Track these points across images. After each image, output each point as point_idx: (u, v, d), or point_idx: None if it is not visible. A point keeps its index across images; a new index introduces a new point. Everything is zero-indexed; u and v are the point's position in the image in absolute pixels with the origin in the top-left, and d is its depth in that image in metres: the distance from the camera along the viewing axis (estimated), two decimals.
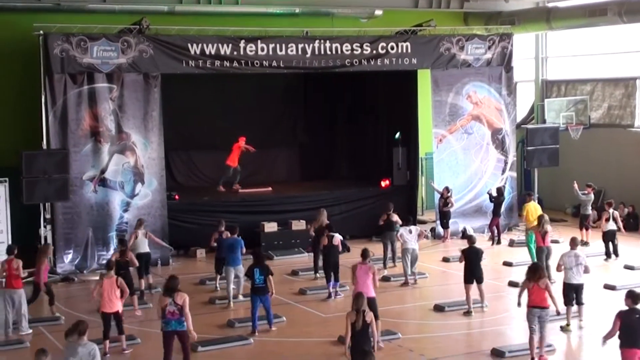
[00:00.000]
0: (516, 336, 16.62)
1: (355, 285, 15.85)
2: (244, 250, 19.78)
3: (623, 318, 12.62)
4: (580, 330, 16.85)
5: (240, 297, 19.45)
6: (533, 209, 23.20)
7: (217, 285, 20.92)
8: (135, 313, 18.43)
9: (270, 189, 27.98)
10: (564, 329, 16.75)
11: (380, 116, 29.96)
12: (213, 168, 29.86)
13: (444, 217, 26.81)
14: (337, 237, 20.49)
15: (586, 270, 16.97)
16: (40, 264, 18.61)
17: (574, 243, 17.39)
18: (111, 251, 23.29)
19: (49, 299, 18.85)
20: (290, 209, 26.49)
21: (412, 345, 15.90)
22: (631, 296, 12.72)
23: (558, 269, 17.30)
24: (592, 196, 25.68)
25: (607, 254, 23.38)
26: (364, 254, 16.36)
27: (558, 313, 15.64)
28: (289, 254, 24.72)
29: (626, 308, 12.68)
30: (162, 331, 14.05)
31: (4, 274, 17.63)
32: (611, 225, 23.34)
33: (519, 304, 15.24)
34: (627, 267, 22.26)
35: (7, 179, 21.72)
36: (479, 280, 18.39)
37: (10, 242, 21.44)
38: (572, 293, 16.90)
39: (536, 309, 14.72)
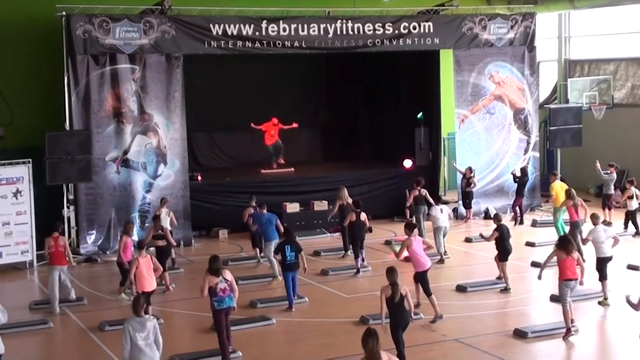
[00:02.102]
0: (539, 317, 16.62)
1: (416, 260, 16.19)
2: (280, 225, 20.02)
3: None
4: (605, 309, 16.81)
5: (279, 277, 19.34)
6: (559, 187, 23.14)
7: (260, 259, 21.18)
8: (169, 288, 18.72)
9: (292, 169, 28.01)
10: (603, 303, 16.86)
11: (402, 96, 29.88)
12: (235, 149, 29.97)
13: (467, 198, 26.75)
14: (363, 214, 20.56)
15: (616, 241, 17.20)
16: (120, 243, 18.62)
17: (595, 218, 17.53)
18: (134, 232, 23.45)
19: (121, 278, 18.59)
20: (312, 190, 26.51)
21: (434, 325, 15.89)
22: None
23: (584, 242, 17.61)
24: (614, 176, 25.53)
25: (637, 232, 23.71)
26: (411, 226, 16.62)
27: (581, 283, 15.62)
28: (311, 235, 24.74)
29: None
30: (216, 310, 14.04)
31: (50, 250, 17.59)
32: (635, 204, 23.55)
33: (540, 277, 15.49)
34: None
35: (30, 160, 21.73)
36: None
37: (34, 223, 21.60)
38: (606, 266, 16.97)
39: (571, 282, 14.85)
